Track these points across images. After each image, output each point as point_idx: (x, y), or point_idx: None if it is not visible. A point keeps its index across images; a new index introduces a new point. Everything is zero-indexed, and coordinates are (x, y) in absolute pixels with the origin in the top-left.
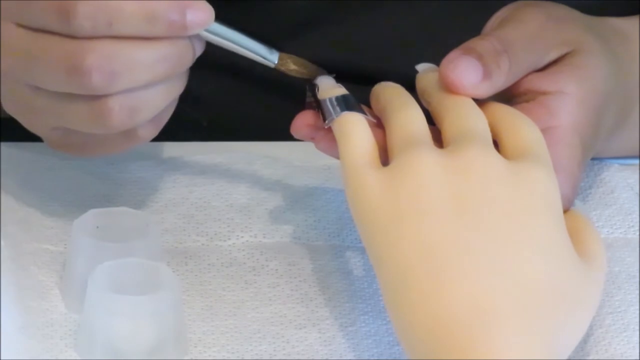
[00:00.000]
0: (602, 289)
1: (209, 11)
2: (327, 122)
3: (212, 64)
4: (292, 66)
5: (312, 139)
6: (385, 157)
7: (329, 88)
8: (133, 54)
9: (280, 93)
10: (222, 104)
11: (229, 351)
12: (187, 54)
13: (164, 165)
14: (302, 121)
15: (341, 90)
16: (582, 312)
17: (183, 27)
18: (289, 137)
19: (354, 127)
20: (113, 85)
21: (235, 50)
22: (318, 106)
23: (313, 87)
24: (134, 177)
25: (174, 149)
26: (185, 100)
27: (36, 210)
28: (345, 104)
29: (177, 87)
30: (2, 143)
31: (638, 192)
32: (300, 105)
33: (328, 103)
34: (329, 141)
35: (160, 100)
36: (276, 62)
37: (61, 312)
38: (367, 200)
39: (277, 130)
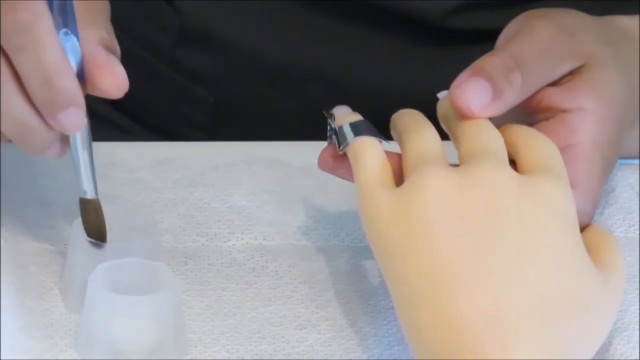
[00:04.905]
0: (620, 301)
1: (81, 120)
2: (341, 147)
3: (220, 45)
4: (89, 211)
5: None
6: (402, 182)
7: (344, 115)
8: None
9: (286, 76)
10: (229, 85)
11: (229, 351)
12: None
13: (164, 166)
14: (328, 153)
15: (356, 117)
16: (598, 322)
17: (54, 116)
18: (289, 137)
19: (366, 149)
20: None
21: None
22: (335, 134)
23: (331, 117)
24: (134, 177)
25: (174, 149)
26: (193, 79)
27: (36, 210)
28: (360, 129)
29: None
30: (2, 143)
31: (638, 191)
32: (302, 93)
33: (344, 129)
34: (346, 167)
35: None
36: (87, 196)
37: (61, 312)
38: (380, 219)
39: (282, 113)
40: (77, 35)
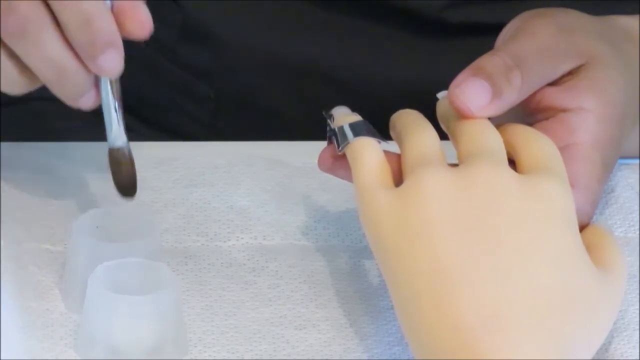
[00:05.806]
0: (621, 299)
1: (120, 62)
2: (340, 148)
3: (222, 41)
4: (121, 161)
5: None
6: (401, 182)
7: (343, 116)
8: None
9: (286, 72)
10: (230, 81)
11: (229, 351)
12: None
13: (164, 166)
14: (327, 153)
15: (355, 118)
16: (598, 322)
17: (93, 57)
18: (289, 133)
19: (365, 150)
20: None
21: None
22: (334, 135)
23: (330, 118)
24: None
25: (174, 149)
26: (195, 75)
27: (36, 210)
28: (359, 130)
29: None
30: (2, 143)
31: (638, 191)
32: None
33: (343, 130)
34: (345, 167)
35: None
36: (115, 145)
37: (61, 312)
38: (379, 219)
39: (283, 108)
40: None
